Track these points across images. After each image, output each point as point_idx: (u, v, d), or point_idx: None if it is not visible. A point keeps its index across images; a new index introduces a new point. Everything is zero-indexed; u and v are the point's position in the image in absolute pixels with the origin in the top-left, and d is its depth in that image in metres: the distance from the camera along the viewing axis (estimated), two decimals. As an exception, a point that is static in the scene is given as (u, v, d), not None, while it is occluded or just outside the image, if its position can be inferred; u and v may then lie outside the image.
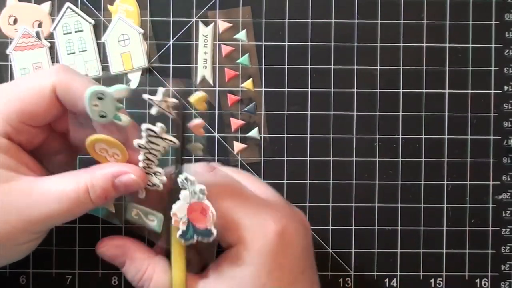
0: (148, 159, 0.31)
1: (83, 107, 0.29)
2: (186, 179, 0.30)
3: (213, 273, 0.30)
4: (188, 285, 0.30)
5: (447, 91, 0.41)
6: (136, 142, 0.30)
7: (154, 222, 0.32)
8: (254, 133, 0.40)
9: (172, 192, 0.31)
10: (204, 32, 0.40)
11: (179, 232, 0.30)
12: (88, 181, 0.29)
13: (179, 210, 0.30)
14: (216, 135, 0.40)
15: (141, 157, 0.31)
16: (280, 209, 0.31)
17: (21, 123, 0.30)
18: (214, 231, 0.30)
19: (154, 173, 0.31)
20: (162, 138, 0.30)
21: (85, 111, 0.30)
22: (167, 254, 0.32)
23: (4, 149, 0.30)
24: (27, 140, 0.31)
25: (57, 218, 0.30)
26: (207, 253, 0.33)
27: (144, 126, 0.29)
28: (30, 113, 0.30)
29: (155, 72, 0.40)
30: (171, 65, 0.40)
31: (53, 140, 0.33)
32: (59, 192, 0.29)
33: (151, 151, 0.30)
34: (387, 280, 0.40)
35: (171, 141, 0.30)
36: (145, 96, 0.29)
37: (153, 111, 0.30)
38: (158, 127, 0.29)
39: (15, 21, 0.40)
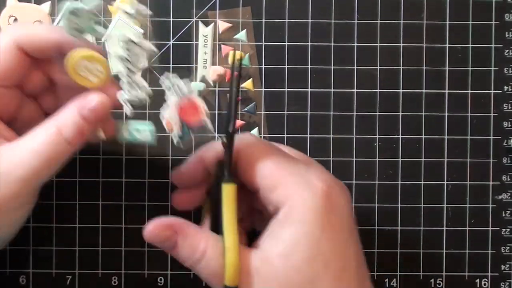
0: (130, 70, 0.30)
1: (50, 50, 0.30)
2: (168, 78, 0.29)
3: (266, 239, 0.30)
4: (242, 256, 0.29)
5: (447, 91, 0.41)
6: (114, 52, 0.30)
7: (148, 136, 0.32)
8: (254, 133, 0.40)
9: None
10: (204, 32, 0.40)
11: (176, 139, 0.29)
12: (58, 124, 0.30)
13: (170, 115, 0.29)
14: (216, 135, 0.40)
15: (123, 69, 0.30)
16: (325, 174, 0.31)
17: None
18: (209, 123, 0.29)
19: (139, 87, 0.31)
20: (141, 46, 0.29)
21: (51, 53, 0.30)
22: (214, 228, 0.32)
23: None
24: (2, 106, 0.31)
25: (42, 172, 0.29)
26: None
27: (122, 34, 0.29)
28: (0, 73, 0.30)
29: (155, 72, 0.40)
30: (171, 65, 0.40)
31: (27, 109, 0.33)
32: (36, 146, 0.29)
33: (132, 62, 0.30)
34: (387, 280, 0.40)
35: (150, 49, 0.29)
36: (122, 36, 0.29)
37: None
38: (136, 34, 0.29)
39: (15, 21, 0.40)
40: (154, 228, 0.30)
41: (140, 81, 0.31)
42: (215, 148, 0.33)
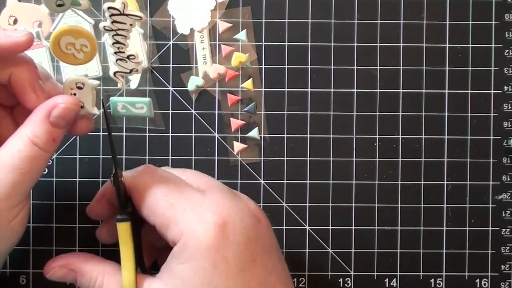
0: (118, 42, 0.30)
1: (3, 80, 0.30)
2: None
3: (162, 271, 0.30)
4: (139, 285, 0.30)
5: (447, 91, 0.41)
6: (101, 24, 0.29)
7: (143, 109, 0.32)
8: (254, 133, 0.40)
9: None
10: (198, 28, 0.40)
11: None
12: (29, 134, 0.29)
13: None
14: (216, 135, 0.40)
15: (109, 41, 0.30)
16: (223, 201, 0.31)
17: None
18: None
19: (128, 57, 0.30)
20: (126, 15, 0.29)
21: (4, 80, 0.30)
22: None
23: None
24: None
25: (24, 183, 0.29)
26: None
27: (106, 5, 0.28)
28: None
29: (155, 72, 0.40)
30: (171, 65, 0.40)
31: (3, 122, 0.33)
32: (11, 160, 0.29)
33: (118, 32, 0.29)
34: (387, 280, 0.40)
35: (136, 15, 0.29)
36: (105, 6, 0.28)
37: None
38: (119, 3, 0.28)
39: (15, 21, 0.40)
40: (49, 269, 0.33)
41: (131, 54, 0.30)
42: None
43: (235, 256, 0.29)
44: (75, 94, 0.31)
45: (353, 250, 0.40)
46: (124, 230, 0.31)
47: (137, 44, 0.40)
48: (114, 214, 0.34)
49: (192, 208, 0.30)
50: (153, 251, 0.35)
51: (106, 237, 0.36)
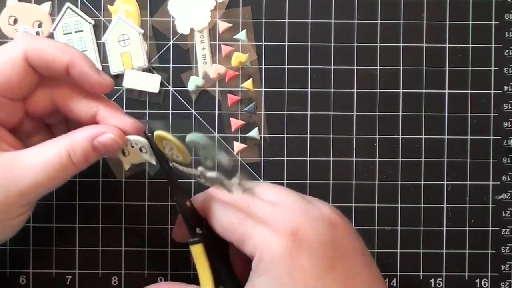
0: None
1: (57, 69, 0.30)
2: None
3: (246, 286, 0.30)
4: None
5: (447, 91, 0.41)
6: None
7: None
8: (254, 133, 0.40)
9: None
10: (198, 28, 0.40)
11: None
12: (68, 146, 0.30)
13: None
14: (216, 135, 0.40)
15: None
16: (293, 210, 0.30)
17: None
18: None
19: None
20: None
21: (60, 73, 0.31)
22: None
23: None
24: (5, 116, 0.31)
25: (45, 187, 0.30)
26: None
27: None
28: (6, 84, 0.30)
29: (155, 72, 0.40)
30: (171, 65, 0.40)
31: (30, 121, 0.33)
32: (42, 160, 0.30)
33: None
34: (387, 280, 0.40)
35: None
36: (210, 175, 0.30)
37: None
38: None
39: (15, 21, 0.40)
40: None
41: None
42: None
43: (311, 263, 0.28)
44: (132, 147, 0.32)
45: (353, 250, 0.40)
46: (197, 252, 0.31)
47: (137, 44, 0.40)
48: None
49: (262, 221, 0.30)
50: (246, 262, 0.35)
51: (182, 237, 0.36)
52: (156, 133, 0.31)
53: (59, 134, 0.32)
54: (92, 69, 0.31)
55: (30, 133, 0.34)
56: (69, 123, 0.35)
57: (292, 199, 0.31)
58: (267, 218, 0.30)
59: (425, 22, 0.41)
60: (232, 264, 0.33)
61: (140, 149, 0.32)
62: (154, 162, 0.32)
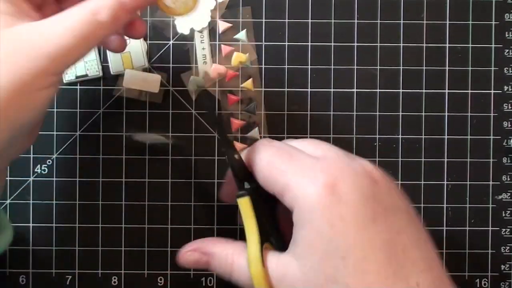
0: None
1: None
2: None
3: (291, 243, 0.30)
4: (267, 259, 0.30)
5: (447, 91, 0.41)
6: None
7: None
8: (254, 133, 0.40)
9: None
10: (198, 28, 0.40)
11: None
12: (92, 4, 0.29)
13: None
14: (216, 135, 0.40)
15: None
16: (335, 163, 0.30)
17: None
18: None
19: None
20: None
21: None
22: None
23: None
24: None
25: (73, 51, 0.28)
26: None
27: None
28: None
29: (155, 72, 0.40)
30: (171, 65, 0.40)
31: (50, 7, 0.32)
32: (69, 22, 0.28)
33: None
34: (387, 280, 0.40)
35: None
36: None
37: None
38: None
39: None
40: (182, 254, 0.33)
41: None
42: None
43: (352, 214, 0.28)
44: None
45: (353, 250, 0.40)
46: (245, 205, 0.31)
47: (137, 44, 0.40)
48: None
49: (303, 172, 0.29)
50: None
51: (230, 198, 0.36)
52: None
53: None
54: None
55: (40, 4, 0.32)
56: None
57: (335, 154, 0.31)
58: (308, 170, 0.29)
59: (425, 22, 0.41)
60: (279, 220, 0.32)
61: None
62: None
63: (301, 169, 0.30)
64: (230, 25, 0.40)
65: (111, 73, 0.40)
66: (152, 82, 0.39)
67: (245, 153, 0.32)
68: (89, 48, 0.29)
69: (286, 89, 0.40)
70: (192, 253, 0.33)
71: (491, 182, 0.41)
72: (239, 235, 0.39)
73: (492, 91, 0.41)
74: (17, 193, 0.39)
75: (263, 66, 0.40)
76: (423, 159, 0.40)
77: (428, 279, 0.28)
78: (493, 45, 0.41)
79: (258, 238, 0.30)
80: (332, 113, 0.40)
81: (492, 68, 0.41)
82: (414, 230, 0.30)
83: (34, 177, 0.40)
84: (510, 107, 0.41)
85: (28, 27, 0.28)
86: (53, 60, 0.28)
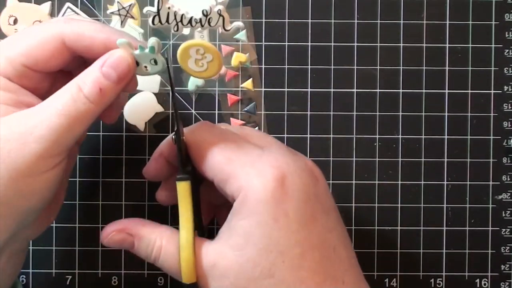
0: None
1: (96, 48, 0.29)
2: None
3: (222, 231, 0.30)
4: (198, 252, 0.29)
5: (447, 91, 0.41)
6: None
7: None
8: (254, 133, 0.40)
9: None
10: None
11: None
12: (78, 80, 0.29)
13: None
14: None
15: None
16: (281, 157, 0.30)
17: (24, 67, 0.29)
18: None
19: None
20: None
21: (99, 51, 0.30)
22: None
23: (3, 87, 0.29)
24: (31, 84, 0.30)
25: (66, 131, 0.28)
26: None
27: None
28: (35, 58, 0.29)
29: (155, 72, 0.40)
30: (171, 65, 0.40)
31: (61, 84, 0.32)
32: (55, 103, 0.28)
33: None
34: (387, 280, 0.40)
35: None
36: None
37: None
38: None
39: (15, 21, 0.40)
40: (106, 234, 0.32)
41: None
42: (171, 142, 0.33)
43: (295, 211, 0.28)
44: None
45: (353, 250, 0.40)
46: (184, 190, 0.30)
47: (137, 44, 0.40)
48: (171, 174, 0.34)
49: (251, 162, 0.29)
50: (210, 209, 0.35)
51: (166, 199, 0.35)
52: (181, 47, 0.29)
53: None
54: (132, 39, 0.30)
55: None
56: None
57: (280, 147, 0.32)
58: (254, 160, 0.29)
59: (425, 22, 0.41)
60: (201, 206, 0.32)
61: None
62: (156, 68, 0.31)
63: (249, 160, 0.30)
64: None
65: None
66: (152, 82, 0.39)
67: (186, 134, 0.32)
68: (84, 125, 0.29)
69: (286, 89, 0.40)
70: (117, 233, 0.32)
71: (491, 182, 0.41)
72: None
73: (492, 91, 0.41)
74: (17, 193, 0.39)
75: (263, 66, 0.40)
76: (423, 159, 0.40)
77: (352, 278, 0.29)
78: (493, 45, 0.41)
79: (192, 224, 0.30)
80: (332, 113, 0.40)
81: (492, 68, 0.41)
82: (341, 230, 0.31)
83: (34, 177, 0.39)
84: (510, 107, 0.41)
85: (18, 114, 0.28)
86: (47, 143, 0.28)
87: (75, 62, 0.32)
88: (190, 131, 0.32)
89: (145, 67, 0.31)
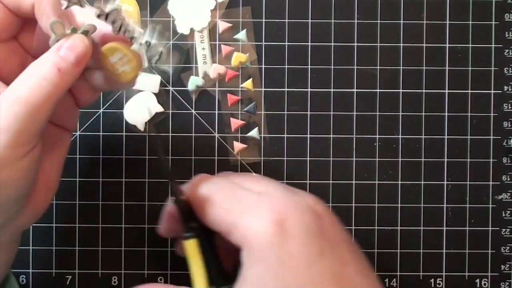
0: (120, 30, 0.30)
1: (24, 10, 0.29)
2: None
3: (237, 281, 0.29)
4: None
5: (447, 91, 0.41)
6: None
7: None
8: (254, 133, 0.40)
9: None
10: (198, 28, 0.40)
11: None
12: (34, 65, 0.28)
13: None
14: (216, 135, 0.40)
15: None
16: (279, 200, 0.30)
17: None
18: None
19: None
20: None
21: (27, 13, 0.29)
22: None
23: None
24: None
25: (27, 119, 0.27)
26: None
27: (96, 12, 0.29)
28: None
29: (155, 73, 0.40)
30: (171, 64, 0.40)
31: (14, 59, 0.32)
32: (15, 90, 0.28)
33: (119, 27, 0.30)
34: (387, 280, 0.40)
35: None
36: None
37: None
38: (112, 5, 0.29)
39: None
40: None
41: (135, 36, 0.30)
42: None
43: (301, 250, 0.28)
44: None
45: (353, 250, 0.40)
46: (192, 247, 0.31)
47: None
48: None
49: (248, 210, 0.30)
50: (232, 254, 0.34)
51: (169, 233, 0.35)
52: (108, 45, 0.29)
53: None
54: (55, 11, 0.29)
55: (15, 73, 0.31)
56: None
57: (277, 189, 0.31)
58: (253, 207, 0.30)
59: (425, 22, 0.41)
60: (219, 254, 0.32)
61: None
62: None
63: (246, 207, 0.30)
64: (230, 25, 0.40)
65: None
66: (152, 83, 0.39)
67: (187, 191, 0.32)
68: (47, 110, 0.28)
69: (286, 89, 0.40)
70: None
71: (491, 182, 0.41)
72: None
73: (492, 91, 0.41)
74: (17, 193, 0.39)
75: (263, 66, 0.40)
76: (423, 159, 0.40)
77: None
78: (493, 45, 0.41)
79: (205, 281, 0.30)
80: (332, 113, 0.40)
81: (492, 68, 0.41)
82: (357, 261, 0.30)
83: (34, 177, 0.40)
84: (510, 107, 0.41)
85: None
86: (11, 133, 0.27)
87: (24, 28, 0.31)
88: (189, 188, 0.32)
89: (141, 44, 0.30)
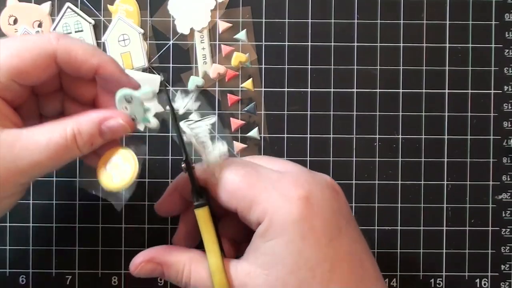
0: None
1: (84, 72, 0.30)
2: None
3: (248, 253, 0.30)
4: (228, 273, 0.30)
5: (447, 91, 0.41)
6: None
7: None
8: (254, 133, 0.40)
9: None
10: (198, 28, 0.40)
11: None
12: (75, 127, 0.29)
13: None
14: (216, 135, 0.40)
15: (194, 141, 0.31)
16: (301, 177, 0.31)
17: (11, 80, 0.29)
18: None
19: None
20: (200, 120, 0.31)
21: (88, 74, 0.30)
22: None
23: None
24: (12, 96, 0.30)
25: (45, 167, 0.29)
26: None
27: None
28: (25, 72, 0.29)
29: (155, 72, 0.40)
30: (171, 65, 0.40)
31: (33, 103, 0.33)
32: (47, 139, 0.29)
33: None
34: (387, 280, 0.40)
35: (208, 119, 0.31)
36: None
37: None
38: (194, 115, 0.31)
39: (15, 21, 0.40)
40: (136, 265, 0.32)
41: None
42: (185, 177, 0.33)
43: (323, 226, 0.29)
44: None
45: (353, 250, 0.40)
46: (203, 215, 0.31)
47: (137, 44, 0.40)
48: (184, 210, 0.34)
49: (272, 185, 0.30)
50: (233, 246, 0.35)
51: (184, 241, 0.35)
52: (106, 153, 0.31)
53: None
54: (121, 72, 0.31)
55: (31, 115, 0.33)
56: (66, 114, 0.34)
57: (297, 168, 0.32)
58: (275, 183, 0.30)
59: (425, 22, 0.41)
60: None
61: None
62: (151, 124, 0.32)
63: (268, 183, 0.30)
64: (230, 25, 0.40)
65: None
66: (152, 82, 0.39)
67: (203, 167, 0.32)
68: (60, 165, 0.30)
69: (286, 89, 0.40)
70: (146, 263, 0.32)
71: (491, 182, 0.41)
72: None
73: (492, 91, 0.41)
74: (17, 193, 0.39)
75: (263, 66, 0.40)
76: (423, 159, 0.40)
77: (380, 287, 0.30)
78: (493, 45, 0.41)
79: (218, 248, 0.30)
80: (332, 113, 0.40)
81: (492, 68, 0.41)
82: (362, 240, 0.31)
83: (34, 177, 0.40)
84: (510, 107, 0.41)
85: (7, 136, 0.29)
86: (23, 173, 0.29)
87: (51, 85, 0.32)
88: (201, 168, 0.32)
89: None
